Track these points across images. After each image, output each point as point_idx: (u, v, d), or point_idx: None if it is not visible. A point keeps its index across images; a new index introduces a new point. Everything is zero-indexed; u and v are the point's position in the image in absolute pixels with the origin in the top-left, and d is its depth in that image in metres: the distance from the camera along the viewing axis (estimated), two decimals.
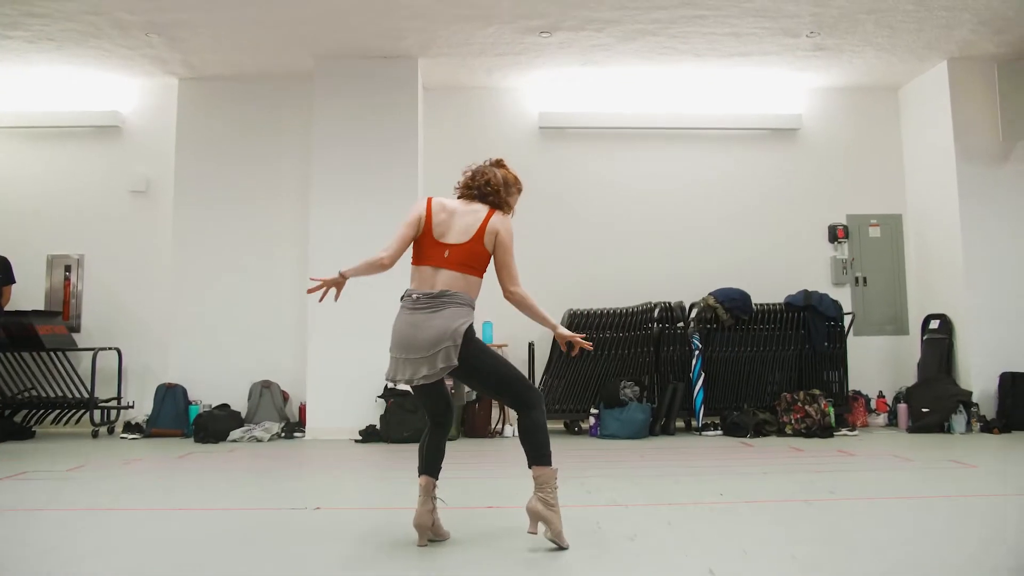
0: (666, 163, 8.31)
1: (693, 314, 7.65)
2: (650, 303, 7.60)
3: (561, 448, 6.55)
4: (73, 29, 6.65)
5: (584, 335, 4.07)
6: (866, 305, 8.26)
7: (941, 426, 6.96)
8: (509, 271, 3.24)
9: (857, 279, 8.29)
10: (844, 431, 7.03)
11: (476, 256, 3.19)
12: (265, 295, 7.72)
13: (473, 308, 3.19)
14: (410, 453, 6.08)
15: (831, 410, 7.04)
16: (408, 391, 6.95)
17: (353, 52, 7.36)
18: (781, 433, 6.99)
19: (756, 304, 7.65)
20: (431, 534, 3.18)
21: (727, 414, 7.23)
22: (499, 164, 3.44)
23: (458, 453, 5.99)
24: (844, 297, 8.16)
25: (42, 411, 7.43)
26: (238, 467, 5.63)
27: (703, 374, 7.31)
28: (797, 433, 6.90)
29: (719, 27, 7.02)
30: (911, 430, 7.10)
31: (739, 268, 7.99)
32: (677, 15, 6.77)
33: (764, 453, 6.03)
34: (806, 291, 7.67)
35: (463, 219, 3.22)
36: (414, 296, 3.16)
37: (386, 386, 7.02)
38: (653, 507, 3.95)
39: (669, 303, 7.62)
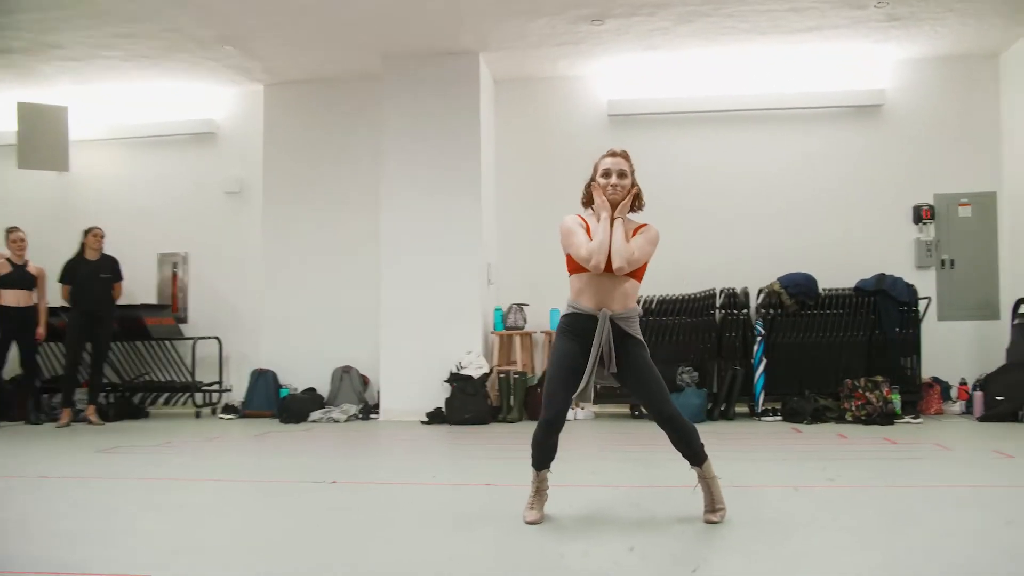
0: (739, 146, 8.15)
1: (759, 300, 7.55)
2: (712, 289, 7.57)
3: (603, 430, 6.80)
4: (159, 46, 7.37)
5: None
6: (953, 289, 7.82)
7: (1015, 415, 6.59)
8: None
9: (943, 261, 7.86)
10: (908, 419, 6.78)
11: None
12: (345, 286, 8.27)
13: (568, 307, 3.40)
14: (469, 434, 6.51)
15: (896, 397, 6.83)
16: (470, 377, 7.33)
17: (417, 50, 7.68)
18: (841, 420, 6.83)
19: (825, 289, 7.47)
20: None
21: (788, 400, 7.13)
22: None
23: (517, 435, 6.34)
24: (929, 281, 7.79)
25: (154, 394, 8.38)
26: (302, 445, 6.16)
27: (764, 359, 7.23)
28: (857, 420, 6.73)
29: (776, 3, 6.82)
30: (982, 419, 6.76)
31: (817, 252, 7.76)
32: None
33: (808, 439, 5.98)
34: (880, 275, 7.41)
35: None
36: None
37: (451, 371, 7.40)
38: (603, 488, 4.11)
39: (733, 289, 7.57)
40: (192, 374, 8.23)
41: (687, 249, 7.88)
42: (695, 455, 3.32)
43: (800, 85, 8.04)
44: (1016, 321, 7.33)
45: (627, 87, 8.24)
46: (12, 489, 4.31)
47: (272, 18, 6.96)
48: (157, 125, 8.75)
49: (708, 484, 3.30)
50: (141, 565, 2.81)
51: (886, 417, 6.69)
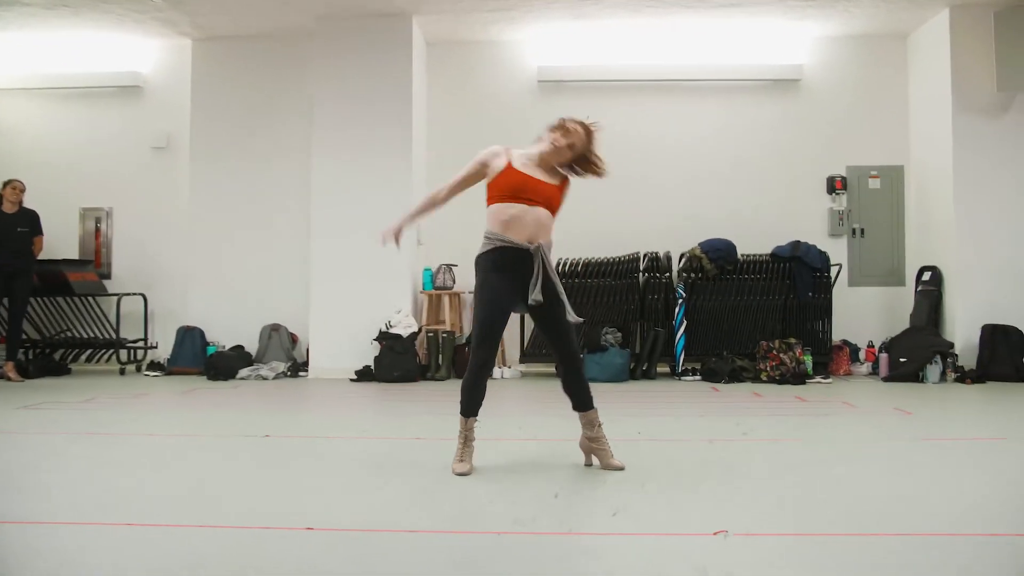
0: (663, 116, 8.39)
1: (681, 264, 7.83)
2: (637, 253, 7.81)
3: (535, 389, 6.97)
4: None
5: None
6: (863, 256, 8.26)
7: (916, 375, 7.02)
8: None
9: (854, 230, 8.28)
10: (819, 379, 7.16)
11: None
12: (273, 244, 8.25)
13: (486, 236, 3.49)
14: (398, 391, 6.62)
15: (808, 358, 7.20)
16: (399, 335, 7.43)
17: (350, 10, 7.66)
18: (756, 380, 7.17)
19: (743, 255, 7.78)
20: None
21: (707, 360, 7.44)
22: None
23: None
24: (840, 248, 8.19)
25: (76, 350, 8.22)
26: (231, 401, 6.17)
27: (685, 321, 7.52)
28: (771, 380, 7.07)
29: None
30: (886, 379, 7.17)
31: (734, 219, 8.09)
32: None
33: (725, 396, 6.26)
34: (796, 242, 7.75)
35: None
36: None
37: (380, 330, 7.48)
38: (529, 442, 4.33)
39: (656, 253, 7.82)
40: (116, 331, 8.10)
41: (612, 214, 8.11)
42: (586, 400, 3.50)
43: (724, 58, 8.32)
44: (919, 288, 7.80)
45: (557, 54, 8.39)
46: None
47: None
48: (81, 76, 8.47)
49: (599, 432, 3.49)
50: (85, 514, 2.87)
51: (799, 377, 7.04)
